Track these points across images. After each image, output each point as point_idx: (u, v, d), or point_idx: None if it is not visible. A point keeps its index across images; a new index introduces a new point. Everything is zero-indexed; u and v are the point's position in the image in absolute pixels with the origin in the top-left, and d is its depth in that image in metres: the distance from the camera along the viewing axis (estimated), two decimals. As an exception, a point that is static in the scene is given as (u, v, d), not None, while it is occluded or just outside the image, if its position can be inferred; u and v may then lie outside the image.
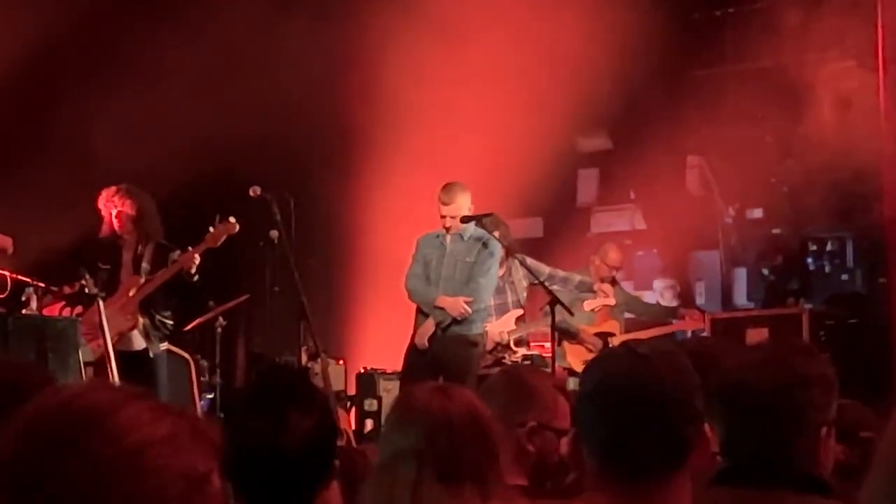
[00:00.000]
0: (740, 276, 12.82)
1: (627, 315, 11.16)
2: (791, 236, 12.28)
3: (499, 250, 9.44)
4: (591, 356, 10.31)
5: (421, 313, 9.39)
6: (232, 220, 8.90)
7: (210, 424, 1.67)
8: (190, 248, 8.80)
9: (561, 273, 10.35)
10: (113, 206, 8.98)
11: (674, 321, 11.00)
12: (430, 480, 2.97)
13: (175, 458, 1.58)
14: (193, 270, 8.78)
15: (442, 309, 9.24)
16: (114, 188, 9.02)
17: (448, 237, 9.37)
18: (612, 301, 10.63)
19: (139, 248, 9.05)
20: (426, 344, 9.22)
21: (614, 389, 2.48)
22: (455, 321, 9.23)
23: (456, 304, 9.21)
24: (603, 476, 2.47)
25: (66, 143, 11.03)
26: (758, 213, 12.61)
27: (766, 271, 12.50)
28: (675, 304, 12.19)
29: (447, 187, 9.27)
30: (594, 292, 10.54)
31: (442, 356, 9.05)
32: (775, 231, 12.39)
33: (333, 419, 3.31)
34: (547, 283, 9.67)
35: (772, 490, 2.90)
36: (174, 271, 8.80)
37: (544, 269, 10.17)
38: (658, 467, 2.46)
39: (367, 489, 3.07)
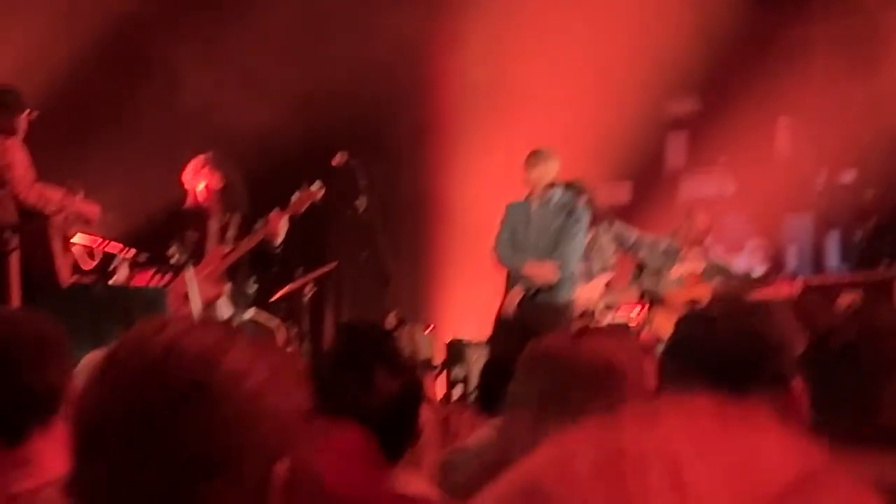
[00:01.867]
0: (832, 239, 12.64)
1: (717, 280, 11.04)
2: (884, 199, 12.08)
3: (585, 216, 9.38)
4: (679, 322, 10.37)
5: (510, 281, 9.36)
6: (315, 186, 8.88)
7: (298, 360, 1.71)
8: (273, 212, 8.81)
9: (648, 238, 10.27)
10: (201, 179, 9.00)
11: (763, 287, 10.87)
12: (551, 419, 2.90)
13: (286, 397, 1.63)
14: (278, 240, 8.79)
15: (529, 276, 9.21)
16: (201, 159, 9.03)
17: (534, 204, 9.33)
18: (700, 266, 10.53)
19: (225, 217, 9.07)
20: (514, 311, 9.20)
21: (682, 352, 2.44)
22: (543, 288, 9.19)
23: (543, 271, 9.17)
24: None
25: (153, 111, 11.10)
26: (850, 175, 12.42)
27: (858, 235, 12.31)
28: (764, 266, 12.05)
29: (534, 153, 9.24)
30: (681, 257, 10.45)
31: (530, 323, 8.99)
32: (868, 194, 12.19)
33: (420, 383, 3.29)
34: (635, 249, 9.61)
35: (857, 445, 2.83)
36: (258, 239, 8.82)
37: (632, 234, 10.09)
38: None
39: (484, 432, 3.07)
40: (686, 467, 0.92)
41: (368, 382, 3.04)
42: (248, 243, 8.86)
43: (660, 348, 7.73)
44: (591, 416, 1.00)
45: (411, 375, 3.19)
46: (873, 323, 2.94)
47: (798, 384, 2.49)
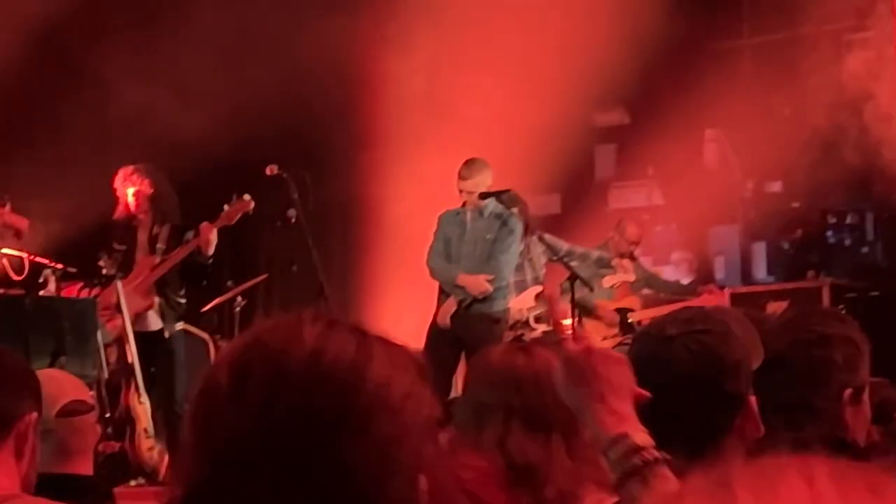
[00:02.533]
0: (759, 250, 12.77)
1: (646, 291, 11.10)
2: (810, 209, 12.22)
3: (519, 227, 9.40)
4: (610, 332, 10.40)
5: (443, 292, 9.36)
6: (247, 197, 8.83)
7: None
8: (203, 223, 8.74)
9: (579, 249, 10.30)
10: (130, 186, 8.92)
11: (692, 298, 10.94)
12: (517, 431, 2.98)
13: (423, 405, 1.59)
14: (209, 251, 8.73)
15: (463, 287, 9.20)
16: (130, 167, 8.95)
17: (468, 214, 9.34)
18: (631, 277, 10.59)
19: (155, 228, 8.99)
20: (448, 322, 9.19)
21: (637, 372, 2.42)
22: (476, 299, 9.19)
23: (477, 283, 9.17)
24: None
25: (82, 122, 10.99)
26: (777, 186, 12.56)
27: (785, 245, 12.45)
28: (690, 278, 12.14)
29: (468, 163, 9.25)
30: (612, 268, 10.49)
31: (464, 334, 9.00)
32: (794, 204, 12.34)
33: None
34: (566, 260, 9.63)
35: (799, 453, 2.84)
36: (188, 251, 8.75)
37: (563, 246, 10.12)
38: (688, 452, 2.38)
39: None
40: None
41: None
42: (179, 255, 8.79)
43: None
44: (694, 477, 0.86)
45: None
46: (804, 334, 2.96)
47: (754, 400, 2.49)
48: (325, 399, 1.53)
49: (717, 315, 2.58)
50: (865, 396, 3.02)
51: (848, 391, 2.96)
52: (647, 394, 2.24)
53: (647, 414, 2.30)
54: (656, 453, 2.12)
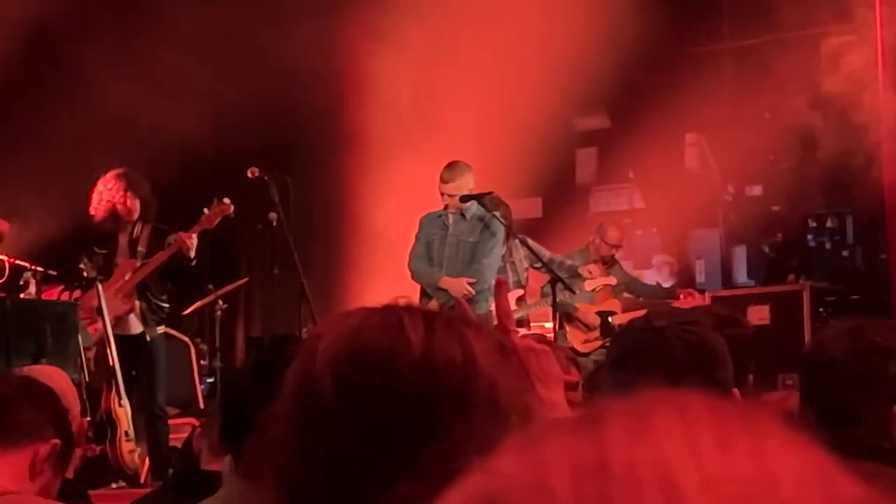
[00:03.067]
0: (740, 253, 12.78)
1: (626, 295, 11.12)
2: (791, 213, 12.25)
3: (501, 230, 9.40)
4: (591, 335, 10.42)
5: (425, 294, 9.35)
6: (226, 201, 8.82)
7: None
8: (181, 232, 8.74)
9: (558, 257, 10.31)
10: (113, 191, 8.91)
11: (672, 301, 10.96)
12: None
13: (525, 396, 1.59)
14: (191, 254, 8.72)
15: (445, 290, 9.20)
16: (112, 173, 8.94)
17: (450, 217, 9.34)
18: (612, 281, 10.59)
19: (135, 231, 8.99)
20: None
21: (629, 363, 2.42)
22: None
23: (459, 285, 9.16)
24: None
25: (59, 129, 10.96)
26: (757, 190, 12.58)
27: (766, 249, 12.48)
28: (671, 282, 12.16)
29: (449, 166, 9.24)
30: (580, 277, 10.48)
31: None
32: (775, 208, 12.36)
33: None
34: (548, 265, 9.66)
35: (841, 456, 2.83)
36: (170, 254, 8.73)
37: (545, 253, 10.13)
38: None
39: None
40: (686, 487, 0.73)
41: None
42: (160, 258, 8.78)
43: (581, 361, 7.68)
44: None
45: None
46: (863, 342, 2.97)
47: (736, 395, 2.50)
48: (440, 409, 1.51)
49: (694, 312, 2.59)
50: None
51: None
52: (577, 378, 2.25)
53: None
54: None
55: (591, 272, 10.44)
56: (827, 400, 2.85)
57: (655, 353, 2.46)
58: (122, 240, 9.01)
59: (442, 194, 9.24)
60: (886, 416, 2.93)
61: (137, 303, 8.89)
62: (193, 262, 8.79)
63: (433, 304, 9.23)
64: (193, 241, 8.70)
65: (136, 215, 8.92)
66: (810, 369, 2.91)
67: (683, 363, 2.45)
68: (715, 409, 0.80)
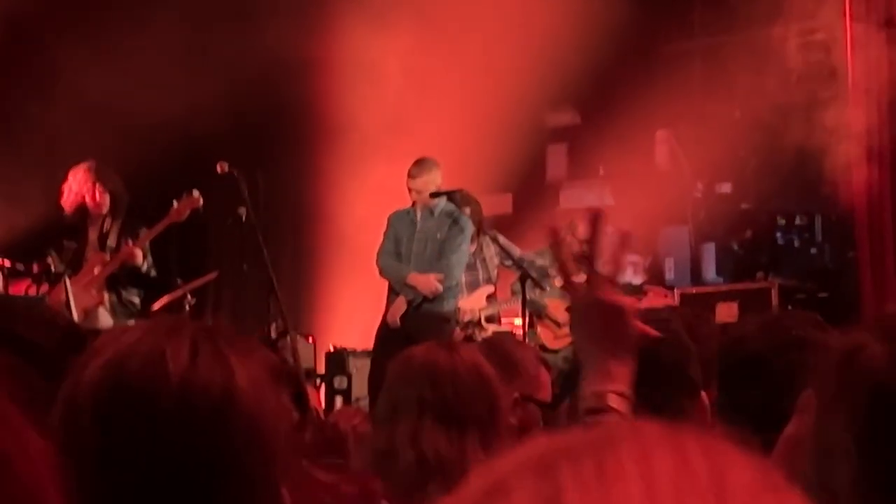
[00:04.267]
0: (709, 251, 12.78)
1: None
2: (760, 211, 12.26)
3: (469, 226, 9.40)
4: (562, 332, 10.41)
5: (393, 291, 9.35)
6: (195, 193, 8.80)
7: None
8: (128, 244, 8.73)
9: (529, 256, 10.31)
10: (82, 184, 8.88)
11: (640, 298, 10.96)
12: (431, 425, 2.97)
13: (286, 418, 1.68)
14: (138, 262, 8.72)
15: (413, 287, 9.20)
16: (83, 165, 8.92)
17: (419, 213, 9.33)
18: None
19: (105, 225, 8.96)
20: (398, 322, 9.18)
21: None
22: (426, 298, 9.18)
23: (427, 282, 9.16)
24: None
25: (28, 121, 10.89)
26: (726, 187, 12.59)
27: (735, 246, 12.48)
28: (641, 279, 12.16)
29: (417, 163, 9.25)
30: (551, 277, 10.49)
31: (414, 333, 8.96)
32: (744, 206, 12.37)
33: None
34: (518, 263, 9.66)
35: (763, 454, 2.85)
36: (120, 262, 8.73)
37: (515, 251, 10.13)
38: None
39: (367, 439, 3.05)
40: None
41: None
42: (114, 263, 8.76)
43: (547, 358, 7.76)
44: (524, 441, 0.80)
45: (296, 387, 3.20)
46: (782, 335, 2.98)
47: (709, 394, 2.51)
48: (197, 446, 1.50)
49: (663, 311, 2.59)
50: None
51: None
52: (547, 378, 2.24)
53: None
54: None
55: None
56: (749, 396, 2.85)
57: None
58: (92, 234, 8.98)
59: (410, 190, 9.24)
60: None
61: (107, 296, 8.86)
62: (145, 268, 8.78)
63: (401, 301, 9.23)
64: (138, 253, 8.70)
65: (105, 209, 8.90)
66: (728, 367, 2.91)
67: (658, 358, 2.45)
68: (674, 447, 0.78)
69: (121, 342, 1.57)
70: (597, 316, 2.06)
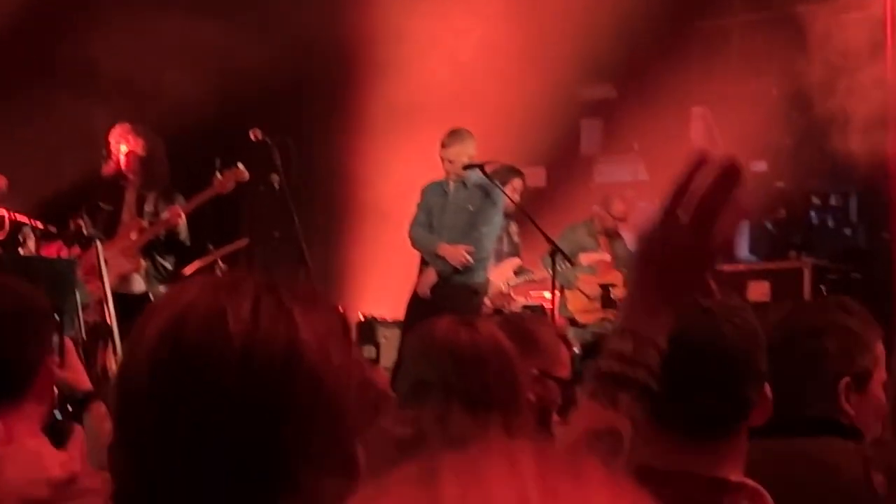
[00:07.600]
0: (743, 229, 12.73)
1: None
2: (794, 190, 12.20)
3: (501, 199, 9.39)
4: (592, 305, 10.40)
5: (424, 262, 9.36)
6: (241, 166, 8.81)
7: None
8: (175, 207, 8.76)
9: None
10: (125, 143, 8.90)
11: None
12: (457, 411, 2.97)
13: (356, 373, 1.59)
14: (181, 234, 8.75)
15: (443, 257, 9.20)
16: (128, 125, 8.94)
17: (451, 185, 9.32)
18: (606, 257, 10.59)
19: (143, 189, 8.97)
20: (428, 293, 9.19)
21: (675, 344, 2.38)
22: (456, 270, 9.18)
23: (457, 253, 9.16)
24: (657, 431, 2.34)
25: (67, 83, 10.92)
26: (761, 166, 12.52)
27: (768, 225, 12.42)
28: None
29: (450, 133, 9.24)
30: (596, 246, 10.50)
31: (444, 305, 8.97)
32: (778, 184, 12.30)
33: None
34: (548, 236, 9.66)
35: (784, 438, 2.85)
36: (163, 228, 8.75)
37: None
38: (715, 426, 2.41)
39: (387, 420, 3.04)
40: None
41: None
42: (156, 229, 8.78)
43: (572, 332, 7.77)
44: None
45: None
46: (797, 325, 2.98)
47: (766, 388, 2.48)
48: (262, 407, 1.47)
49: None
50: (873, 385, 3.01)
51: (845, 380, 2.96)
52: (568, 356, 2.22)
53: (680, 384, 2.28)
54: None
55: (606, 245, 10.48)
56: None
57: (707, 334, 2.41)
58: (130, 198, 9.00)
59: (442, 160, 9.23)
60: (833, 393, 2.94)
61: (143, 262, 8.89)
62: (183, 235, 8.80)
63: (431, 273, 9.24)
64: (183, 219, 8.72)
65: (144, 173, 8.91)
66: None
67: (732, 347, 2.42)
68: (543, 459, 0.83)
69: (179, 301, 1.54)
70: (676, 254, 1.95)
